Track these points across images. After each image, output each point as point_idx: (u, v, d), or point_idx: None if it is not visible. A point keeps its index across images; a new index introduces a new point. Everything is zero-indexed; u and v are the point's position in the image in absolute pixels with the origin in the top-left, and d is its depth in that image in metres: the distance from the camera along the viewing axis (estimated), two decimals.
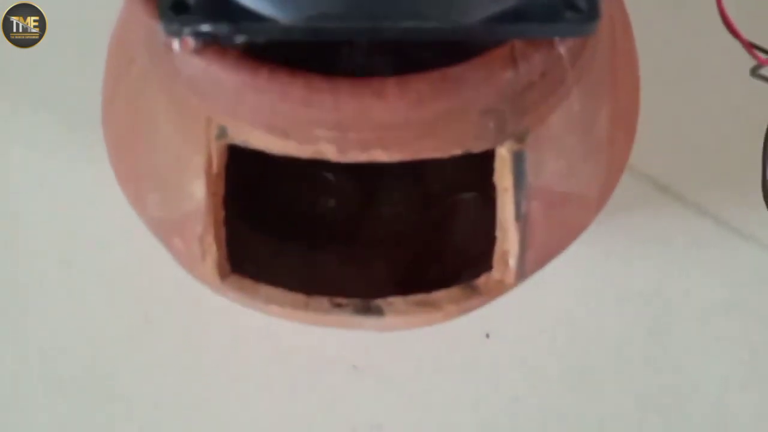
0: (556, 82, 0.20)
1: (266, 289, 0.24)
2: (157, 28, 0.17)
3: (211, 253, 0.23)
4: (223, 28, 0.17)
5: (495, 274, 0.24)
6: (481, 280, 0.24)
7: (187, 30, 0.17)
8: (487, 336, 0.37)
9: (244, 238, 0.27)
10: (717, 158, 0.40)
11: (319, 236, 0.33)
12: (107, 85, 0.25)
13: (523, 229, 0.22)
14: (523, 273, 0.23)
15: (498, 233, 0.23)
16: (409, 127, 0.19)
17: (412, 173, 0.33)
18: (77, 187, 0.39)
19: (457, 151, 0.20)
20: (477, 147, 0.20)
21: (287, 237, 0.32)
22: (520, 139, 0.20)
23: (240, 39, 0.17)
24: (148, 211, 0.24)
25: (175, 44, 0.17)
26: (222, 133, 0.20)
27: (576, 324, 0.37)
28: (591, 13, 0.17)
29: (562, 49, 0.18)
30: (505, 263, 0.23)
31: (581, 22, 0.17)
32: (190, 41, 0.17)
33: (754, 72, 0.26)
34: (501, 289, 0.24)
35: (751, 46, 0.25)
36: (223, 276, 0.24)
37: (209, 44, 0.17)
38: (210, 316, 0.35)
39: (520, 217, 0.22)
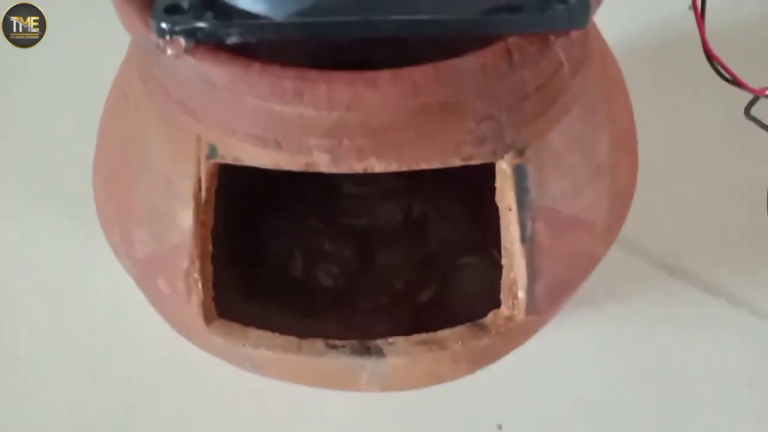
0: (552, 94, 0.20)
1: (256, 333, 0.22)
2: (150, 38, 0.17)
3: (197, 292, 0.21)
4: (215, 25, 0.17)
5: (503, 309, 0.22)
6: (489, 318, 0.22)
7: (179, 28, 0.17)
8: (500, 428, 0.34)
9: (237, 306, 0.25)
10: (721, 236, 0.40)
11: (319, 303, 0.31)
12: (101, 132, 0.25)
13: (530, 254, 0.21)
14: (534, 307, 0.22)
15: (504, 260, 0.21)
16: (405, 130, 0.18)
17: (413, 234, 0.32)
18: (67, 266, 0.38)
19: (456, 161, 0.19)
20: (476, 156, 0.19)
21: (284, 305, 0.30)
22: (520, 152, 0.20)
23: (233, 38, 0.17)
24: (133, 253, 0.23)
25: (167, 48, 0.17)
26: (212, 152, 0.20)
27: (593, 410, 0.34)
28: (581, 6, 0.17)
29: (559, 48, 0.18)
30: (514, 295, 0.21)
31: (571, 15, 0.17)
32: (182, 42, 0.17)
33: (748, 112, 0.26)
34: (510, 327, 0.22)
35: (741, 81, 0.25)
36: (208, 319, 0.22)
37: (201, 45, 0.17)
38: (199, 400, 0.33)
39: (526, 239, 0.21)
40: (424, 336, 0.21)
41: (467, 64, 0.17)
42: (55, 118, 0.50)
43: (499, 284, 0.22)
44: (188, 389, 0.33)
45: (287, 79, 0.16)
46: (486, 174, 0.20)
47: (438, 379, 0.24)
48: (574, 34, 0.17)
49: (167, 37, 0.17)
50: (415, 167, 0.19)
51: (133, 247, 0.22)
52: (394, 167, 0.19)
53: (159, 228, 0.21)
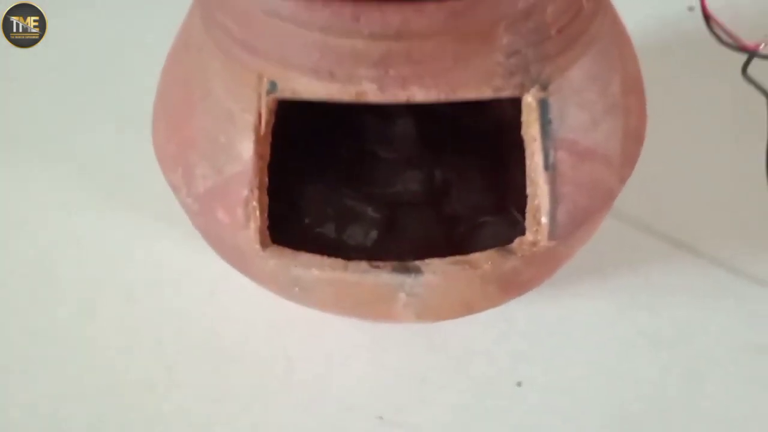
0: (575, 38, 0.22)
1: (306, 255, 0.24)
2: None
3: (255, 219, 0.24)
4: None
5: (528, 234, 0.24)
6: (516, 242, 0.24)
7: None
8: (519, 384, 0.36)
9: None
10: (723, 211, 0.42)
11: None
12: (162, 83, 0.28)
13: (552, 182, 0.23)
14: (555, 233, 0.24)
15: (528, 189, 0.24)
16: (444, 59, 0.21)
17: (436, 199, 0.35)
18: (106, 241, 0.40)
19: (488, 92, 0.22)
20: (506, 88, 0.22)
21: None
22: (544, 87, 0.22)
23: None
24: (195, 188, 0.25)
25: None
26: (272, 87, 0.22)
27: (608, 372, 0.36)
28: None
29: None
30: (538, 221, 0.24)
31: None
32: None
33: (745, 71, 0.29)
34: (535, 251, 0.24)
35: (737, 39, 0.28)
36: (264, 244, 0.24)
37: None
38: (232, 365, 0.35)
39: (549, 167, 0.23)
40: (457, 257, 0.24)
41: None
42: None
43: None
44: (223, 357, 0.35)
45: (347, 6, 0.19)
46: (503, 143, 0.23)
47: (469, 307, 0.26)
48: None
49: None
50: (452, 96, 0.22)
51: (195, 182, 0.25)
52: (433, 95, 0.21)
53: (221, 160, 0.24)
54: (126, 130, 0.46)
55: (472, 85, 0.21)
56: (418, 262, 0.24)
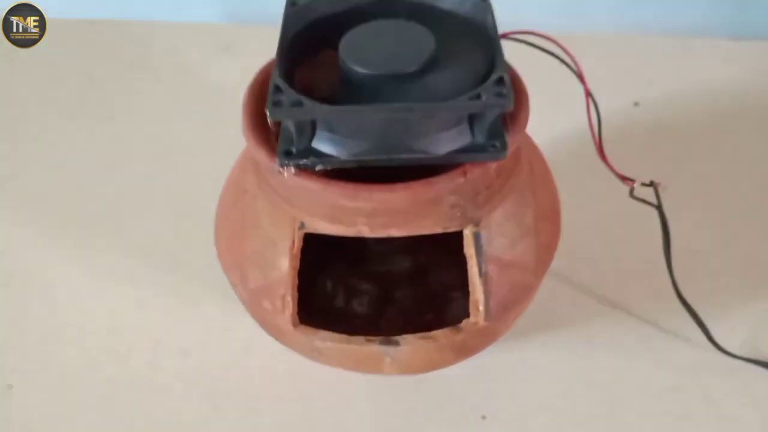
0: (495, 193, 0.35)
1: (322, 333, 0.37)
2: (274, 166, 0.33)
3: (289, 308, 0.36)
4: (310, 162, 0.32)
5: (471, 317, 0.36)
6: (463, 323, 0.37)
7: (291, 163, 0.32)
8: (483, 418, 0.47)
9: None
10: (648, 280, 0.53)
11: (356, 326, 0.46)
12: (222, 210, 0.40)
13: (485, 284, 0.36)
14: (489, 316, 0.36)
15: (470, 288, 0.36)
16: (410, 212, 0.33)
17: (422, 281, 0.47)
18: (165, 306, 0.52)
19: (439, 229, 0.34)
20: (452, 227, 0.34)
21: (332, 328, 0.45)
22: (476, 224, 0.35)
23: (319, 167, 0.32)
24: (247, 285, 0.38)
25: (284, 172, 0.33)
26: (302, 225, 0.35)
27: (553, 408, 0.48)
28: (502, 147, 0.32)
29: (492, 168, 0.33)
30: (477, 309, 0.36)
31: (498, 152, 0.32)
32: (292, 169, 0.32)
33: (631, 193, 0.41)
34: (476, 328, 0.36)
35: (618, 172, 0.40)
36: (294, 325, 0.37)
37: (302, 170, 0.33)
38: (261, 403, 0.46)
39: (482, 275, 0.35)
40: (423, 334, 0.36)
41: (444, 179, 0.32)
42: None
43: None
44: (256, 398, 0.47)
45: (348, 189, 0.32)
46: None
47: (434, 363, 0.38)
48: (500, 161, 0.33)
49: (284, 167, 0.32)
50: (416, 232, 0.34)
51: (248, 282, 0.37)
52: (404, 232, 0.34)
53: (266, 270, 0.36)
54: (181, 218, 0.59)
55: (429, 226, 0.34)
56: (397, 337, 0.36)
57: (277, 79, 0.32)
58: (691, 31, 0.79)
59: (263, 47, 0.74)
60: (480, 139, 0.33)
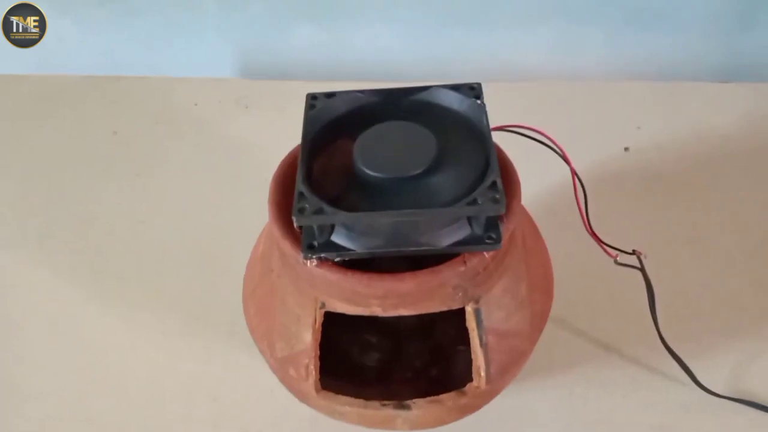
0: (492, 273, 0.40)
1: (342, 398, 0.41)
2: (299, 258, 0.38)
3: (312, 375, 0.41)
4: (330, 255, 0.37)
5: (474, 382, 0.41)
6: (467, 387, 0.41)
7: (314, 256, 0.37)
8: None
9: (322, 381, 0.44)
10: (638, 326, 0.56)
11: (367, 378, 0.50)
12: (250, 283, 0.45)
13: (485, 353, 0.40)
14: (490, 380, 0.41)
15: (472, 357, 0.41)
16: (417, 296, 0.38)
17: (428, 334, 0.52)
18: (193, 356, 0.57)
19: (444, 308, 0.39)
20: (455, 305, 0.39)
21: (347, 380, 0.50)
22: (477, 301, 0.40)
23: (338, 259, 0.37)
24: (275, 354, 0.42)
25: (308, 262, 0.37)
26: (323, 305, 0.40)
27: None
28: (498, 239, 0.37)
29: (488, 255, 0.38)
30: (479, 374, 0.41)
31: (494, 244, 0.37)
32: (314, 260, 0.37)
33: (616, 262, 0.46)
34: (478, 392, 0.41)
35: (603, 245, 0.45)
36: (317, 390, 0.41)
37: (323, 261, 0.37)
38: None
39: (483, 345, 0.40)
40: (432, 398, 0.41)
41: (446, 268, 0.37)
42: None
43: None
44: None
45: (363, 279, 0.37)
46: None
47: (442, 421, 0.43)
48: (495, 250, 0.38)
49: (308, 259, 0.37)
50: (423, 311, 0.39)
51: (275, 351, 0.42)
52: (413, 311, 0.39)
53: (292, 342, 0.41)
54: (206, 270, 0.64)
55: (435, 306, 0.39)
56: (409, 402, 0.41)
57: (300, 186, 0.37)
58: (679, 76, 0.84)
59: (276, 101, 0.79)
60: (478, 231, 0.37)
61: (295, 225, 0.36)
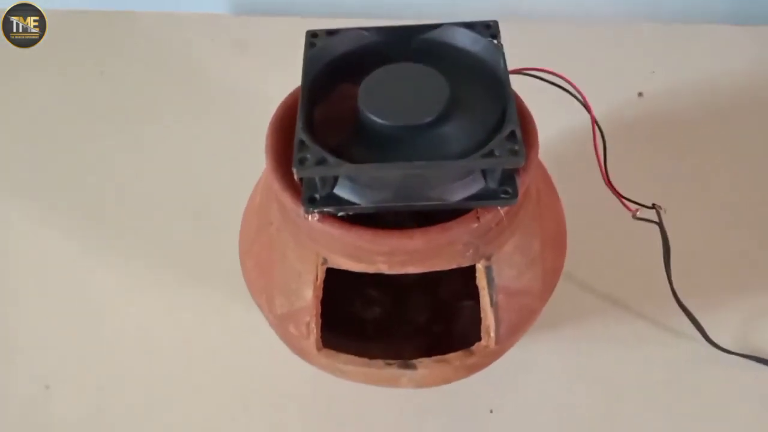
0: (504, 229, 0.37)
1: (344, 356, 0.40)
2: (300, 211, 0.35)
3: (313, 334, 0.39)
4: (333, 209, 0.34)
5: (482, 342, 0.39)
6: (475, 346, 0.40)
7: (315, 209, 0.35)
8: (491, 411, 0.51)
9: (324, 337, 0.42)
10: (647, 280, 0.54)
11: (370, 333, 0.49)
12: (247, 236, 0.43)
13: (495, 312, 0.38)
14: (499, 340, 0.39)
15: (482, 315, 0.39)
16: (426, 252, 0.36)
17: (431, 289, 0.50)
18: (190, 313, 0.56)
19: (454, 266, 0.37)
20: (464, 263, 0.37)
21: (349, 334, 0.48)
22: (488, 258, 0.37)
23: (341, 213, 0.35)
24: (274, 310, 0.40)
25: (309, 216, 0.35)
26: (324, 261, 0.37)
27: (556, 401, 0.52)
28: (514, 194, 0.34)
29: (503, 211, 0.35)
30: (488, 334, 0.39)
31: (510, 199, 0.34)
32: (316, 215, 0.35)
33: (634, 216, 0.43)
34: (487, 351, 0.39)
35: (622, 198, 0.42)
36: (318, 349, 0.40)
37: (325, 216, 0.35)
38: (290, 401, 0.50)
39: (493, 304, 0.38)
40: (438, 357, 0.39)
41: (458, 225, 0.34)
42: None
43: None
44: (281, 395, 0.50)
45: (367, 235, 0.34)
46: None
47: (447, 380, 0.42)
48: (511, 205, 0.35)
49: (309, 213, 0.35)
50: (432, 269, 0.36)
51: (275, 308, 0.40)
52: (420, 269, 0.36)
53: (292, 298, 0.39)
54: (200, 220, 0.61)
55: (445, 264, 0.36)
56: (414, 361, 0.39)
57: (301, 134, 0.34)
58: (695, 18, 0.79)
59: (276, 40, 0.74)
60: (492, 185, 0.35)
61: (295, 177, 0.33)
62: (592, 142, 0.42)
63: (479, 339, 0.40)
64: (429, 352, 0.46)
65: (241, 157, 0.49)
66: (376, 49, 0.39)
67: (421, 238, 0.34)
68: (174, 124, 0.70)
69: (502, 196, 0.35)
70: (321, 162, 0.33)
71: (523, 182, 0.35)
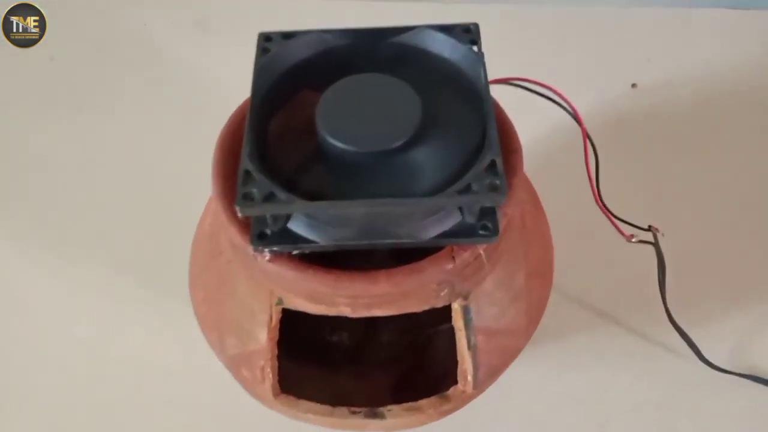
0: (484, 263, 0.33)
1: (305, 403, 0.35)
2: (245, 247, 0.30)
3: (269, 379, 0.35)
4: (286, 248, 0.30)
5: (459, 386, 0.35)
6: (450, 391, 0.36)
7: (266, 249, 0.30)
8: None
9: (287, 368, 0.38)
10: (639, 291, 0.51)
11: (337, 359, 0.44)
12: (197, 263, 0.38)
13: (473, 355, 0.34)
14: (477, 385, 0.35)
15: (459, 359, 0.35)
16: (394, 296, 0.31)
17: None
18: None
19: (426, 307, 0.32)
20: (438, 304, 0.32)
21: (314, 361, 0.44)
22: (465, 297, 0.33)
23: (296, 252, 0.30)
24: (225, 350, 0.36)
25: (258, 256, 0.30)
26: (280, 301, 0.33)
27: (539, 421, 0.47)
28: (494, 230, 0.30)
29: (481, 249, 0.31)
30: (465, 378, 0.35)
31: (490, 236, 0.30)
32: (267, 254, 0.30)
33: (629, 241, 0.39)
34: (464, 396, 0.35)
35: (615, 222, 0.38)
36: (275, 395, 0.35)
37: (277, 254, 0.30)
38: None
39: (471, 347, 0.34)
40: (409, 404, 0.35)
41: (429, 265, 0.30)
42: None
43: None
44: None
45: (329, 280, 0.29)
46: None
47: (419, 425, 0.37)
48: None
49: (258, 252, 0.30)
50: (402, 311, 0.32)
51: (226, 347, 0.36)
52: (388, 312, 0.32)
53: (244, 339, 0.35)
54: (159, 223, 0.56)
55: (416, 305, 0.32)
56: (382, 409, 0.35)
57: (246, 162, 0.29)
58: (694, 2, 0.74)
59: (242, 22, 0.67)
60: (469, 220, 0.30)
61: (239, 215, 0.28)
62: (583, 153, 0.38)
63: (457, 366, 0.35)
64: (402, 381, 0.42)
65: (203, 151, 0.44)
66: (339, 54, 0.34)
67: (386, 282, 0.29)
68: (127, 114, 0.64)
69: (481, 232, 0.30)
70: (269, 198, 0.28)
71: (505, 215, 0.31)
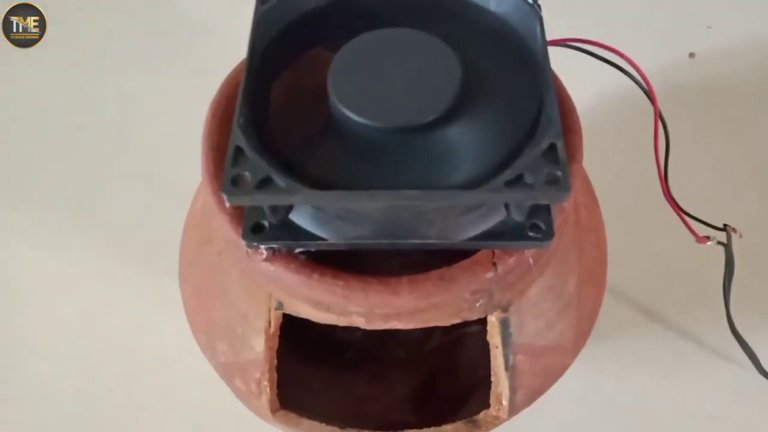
0: (530, 269, 0.27)
1: (307, 423, 0.30)
2: (238, 243, 0.24)
3: (266, 393, 0.29)
4: (287, 245, 0.24)
5: (492, 410, 0.29)
6: (481, 416, 0.30)
7: (262, 246, 0.24)
8: None
9: (291, 366, 0.32)
10: (690, 290, 0.46)
11: (350, 358, 0.39)
12: (187, 250, 0.32)
13: (511, 377, 0.28)
14: (514, 410, 0.29)
15: (492, 379, 0.29)
16: (419, 307, 0.25)
17: None
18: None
19: (456, 320, 0.26)
20: (471, 317, 0.26)
21: (322, 359, 0.38)
22: (505, 309, 0.27)
23: (299, 250, 0.24)
24: (216, 356, 0.30)
25: (252, 255, 0.24)
26: (279, 305, 0.27)
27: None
28: (548, 234, 0.24)
29: (530, 254, 0.24)
30: (500, 402, 0.29)
31: (542, 240, 0.24)
32: (263, 251, 0.24)
33: (702, 242, 0.33)
34: (497, 422, 0.30)
35: (688, 222, 0.31)
36: (273, 411, 0.30)
37: (276, 253, 0.24)
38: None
39: (509, 368, 0.28)
40: (432, 430, 0.29)
41: (463, 272, 0.24)
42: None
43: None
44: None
45: (338, 287, 0.24)
46: None
47: None
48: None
49: (252, 248, 0.24)
50: (425, 326, 0.26)
51: (216, 353, 0.30)
52: (410, 325, 0.26)
53: (237, 346, 0.29)
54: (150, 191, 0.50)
55: (444, 319, 0.26)
56: None
57: (238, 136, 0.22)
58: None
59: None
60: (517, 218, 0.24)
61: (226, 204, 0.22)
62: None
63: (487, 373, 0.30)
64: (424, 387, 0.37)
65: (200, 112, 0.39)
66: (358, 4, 0.27)
67: (410, 293, 0.23)
68: (125, 70, 0.58)
69: (531, 234, 0.24)
70: (265, 184, 0.22)
71: (561, 211, 0.25)
